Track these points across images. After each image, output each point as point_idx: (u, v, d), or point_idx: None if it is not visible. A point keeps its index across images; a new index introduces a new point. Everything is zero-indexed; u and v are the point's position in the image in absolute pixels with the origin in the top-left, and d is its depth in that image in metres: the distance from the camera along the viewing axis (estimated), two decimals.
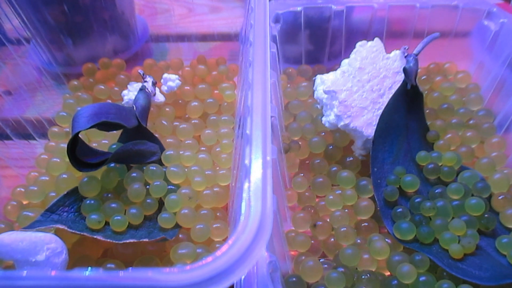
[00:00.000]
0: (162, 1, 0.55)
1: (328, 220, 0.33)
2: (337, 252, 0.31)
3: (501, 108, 0.40)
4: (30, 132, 0.41)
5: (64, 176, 0.34)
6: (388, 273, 0.31)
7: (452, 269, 0.28)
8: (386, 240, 0.31)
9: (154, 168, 0.34)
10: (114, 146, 0.35)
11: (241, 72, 0.40)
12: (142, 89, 0.39)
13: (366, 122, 0.36)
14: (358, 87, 0.36)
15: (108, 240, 0.30)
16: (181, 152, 0.36)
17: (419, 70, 0.38)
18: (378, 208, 0.33)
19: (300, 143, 0.38)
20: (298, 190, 0.36)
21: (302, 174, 0.36)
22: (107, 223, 0.31)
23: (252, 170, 0.21)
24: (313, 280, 0.30)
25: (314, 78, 0.40)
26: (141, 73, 0.40)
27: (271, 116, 0.28)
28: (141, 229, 0.32)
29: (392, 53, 0.39)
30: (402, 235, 0.31)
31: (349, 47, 0.40)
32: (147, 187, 0.33)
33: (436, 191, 0.33)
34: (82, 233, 0.30)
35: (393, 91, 0.37)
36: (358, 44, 0.38)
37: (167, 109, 0.41)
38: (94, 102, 0.44)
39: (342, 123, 0.35)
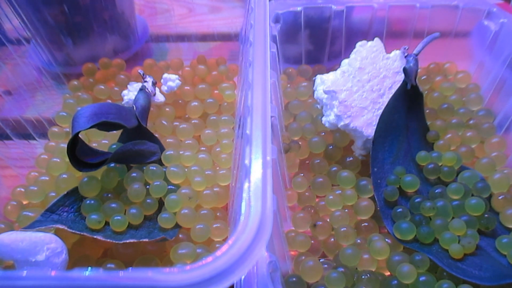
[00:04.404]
0: (162, 1, 0.55)
1: (328, 220, 0.33)
2: (337, 252, 0.31)
3: (501, 108, 0.40)
4: (30, 132, 0.41)
5: (64, 176, 0.34)
6: (388, 273, 0.31)
7: (452, 269, 0.28)
8: (386, 240, 0.31)
9: (154, 168, 0.34)
10: (114, 146, 0.35)
11: (241, 72, 0.40)
12: (142, 89, 0.39)
13: (366, 122, 0.36)
14: (358, 87, 0.36)
15: (108, 240, 0.30)
16: (181, 152, 0.36)
17: (419, 70, 0.38)
18: (378, 208, 0.33)
19: (300, 143, 0.38)
20: (298, 190, 0.36)
21: (302, 174, 0.36)
22: (107, 223, 0.31)
23: (252, 170, 0.21)
24: (313, 280, 0.30)
25: (314, 78, 0.40)
26: (141, 73, 0.40)
27: (271, 116, 0.28)
28: (141, 229, 0.32)
29: (392, 53, 0.39)
30: (402, 235, 0.31)
31: (349, 47, 0.40)
32: (147, 187, 0.33)
33: (436, 191, 0.33)
34: (82, 233, 0.30)
35: (393, 91, 0.37)
36: (358, 44, 0.38)
37: (167, 109, 0.41)
38: (94, 102, 0.44)
39: (342, 123, 0.35)
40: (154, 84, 0.40)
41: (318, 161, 0.37)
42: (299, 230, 0.33)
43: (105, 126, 0.33)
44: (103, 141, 0.38)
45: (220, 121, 0.40)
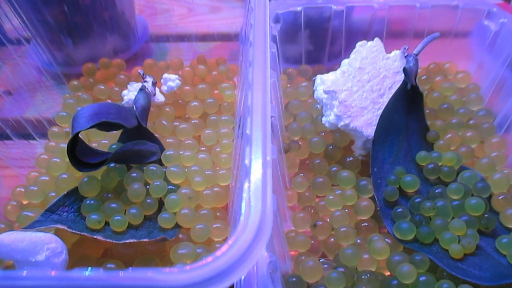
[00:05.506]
0: (162, 1, 0.55)
1: (328, 220, 0.33)
2: (337, 252, 0.31)
3: (501, 108, 0.40)
4: (30, 132, 0.41)
5: (64, 176, 0.34)
6: (388, 273, 0.31)
7: (452, 269, 0.28)
8: (386, 240, 0.31)
9: (154, 168, 0.34)
10: (114, 146, 0.35)
11: (241, 72, 0.40)
12: (142, 89, 0.39)
13: (366, 122, 0.36)
14: (358, 87, 0.36)
15: (108, 240, 0.30)
16: (181, 152, 0.36)
17: (419, 70, 0.38)
18: (378, 208, 0.33)
19: (300, 143, 0.38)
20: (298, 190, 0.36)
21: (302, 174, 0.36)
22: (107, 223, 0.31)
23: (252, 170, 0.21)
24: (313, 280, 0.30)
25: (314, 78, 0.40)
26: (141, 73, 0.40)
27: (271, 116, 0.28)
28: (141, 229, 0.32)
29: (392, 53, 0.39)
30: (402, 235, 0.31)
31: (349, 47, 0.40)
32: (147, 187, 0.33)
33: (436, 191, 0.33)
34: (82, 233, 0.30)
35: (393, 91, 0.37)
36: (358, 44, 0.38)
37: (167, 109, 0.41)
38: (94, 102, 0.44)
39: (342, 123, 0.35)
40: (154, 84, 0.40)
41: (318, 161, 0.37)
42: (299, 230, 0.33)
43: (105, 126, 0.33)
44: (103, 141, 0.38)
45: (220, 121, 0.40)
